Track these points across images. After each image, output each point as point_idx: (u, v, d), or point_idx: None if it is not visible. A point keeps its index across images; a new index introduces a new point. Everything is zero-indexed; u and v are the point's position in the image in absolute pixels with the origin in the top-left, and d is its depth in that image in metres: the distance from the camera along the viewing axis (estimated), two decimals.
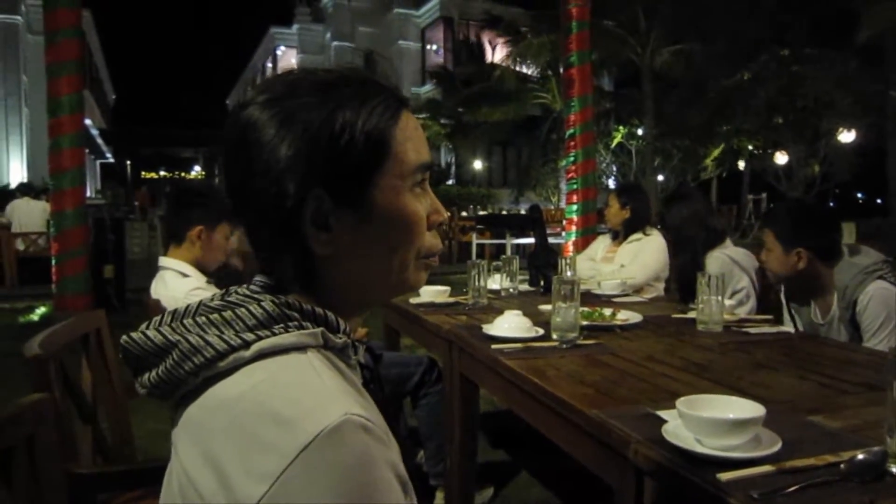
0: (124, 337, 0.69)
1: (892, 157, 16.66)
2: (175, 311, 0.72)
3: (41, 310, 7.45)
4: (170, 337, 0.66)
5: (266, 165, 0.69)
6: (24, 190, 10.52)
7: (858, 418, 1.27)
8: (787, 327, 2.27)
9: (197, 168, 39.44)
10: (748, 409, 1.12)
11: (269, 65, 31.88)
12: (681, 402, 1.12)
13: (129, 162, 31.33)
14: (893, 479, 0.98)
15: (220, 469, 0.58)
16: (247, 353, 0.64)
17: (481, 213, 15.43)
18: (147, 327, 0.70)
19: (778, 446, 1.07)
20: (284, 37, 30.71)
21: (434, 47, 27.65)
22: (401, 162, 0.73)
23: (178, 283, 2.22)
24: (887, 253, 2.19)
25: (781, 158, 17.08)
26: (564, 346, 1.89)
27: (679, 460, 1.08)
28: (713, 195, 22.04)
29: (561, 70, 9.03)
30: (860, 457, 1.00)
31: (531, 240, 8.75)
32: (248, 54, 35.73)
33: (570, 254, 4.76)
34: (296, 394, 0.61)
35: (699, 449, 1.07)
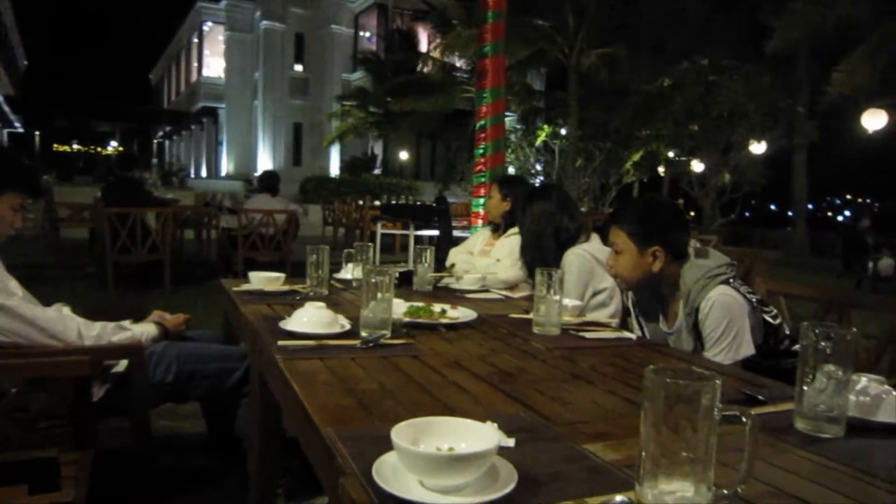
0: None
1: (798, 171, 17.31)
2: None
3: None
4: None
5: None
6: None
7: None
8: (632, 333, 2.06)
9: (114, 143, 37.56)
10: (484, 438, 0.87)
11: (195, 40, 30.54)
12: (399, 429, 0.87)
13: (38, 133, 29.64)
14: None
15: None
16: None
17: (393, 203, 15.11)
18: None
19: (510, 488, 0.82)
20: (212, 12, 29.42)
21: (367, 34, 27.09)
22: None
23: None
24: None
25: (698, 166, 17.46)
26: (365, 345, 1.62)
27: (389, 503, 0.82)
28: None
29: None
30: None
31: (437, 232, 8.54)
32: (173, 28, 34.16)
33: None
34: None
35: (409, 494, 0.82)
